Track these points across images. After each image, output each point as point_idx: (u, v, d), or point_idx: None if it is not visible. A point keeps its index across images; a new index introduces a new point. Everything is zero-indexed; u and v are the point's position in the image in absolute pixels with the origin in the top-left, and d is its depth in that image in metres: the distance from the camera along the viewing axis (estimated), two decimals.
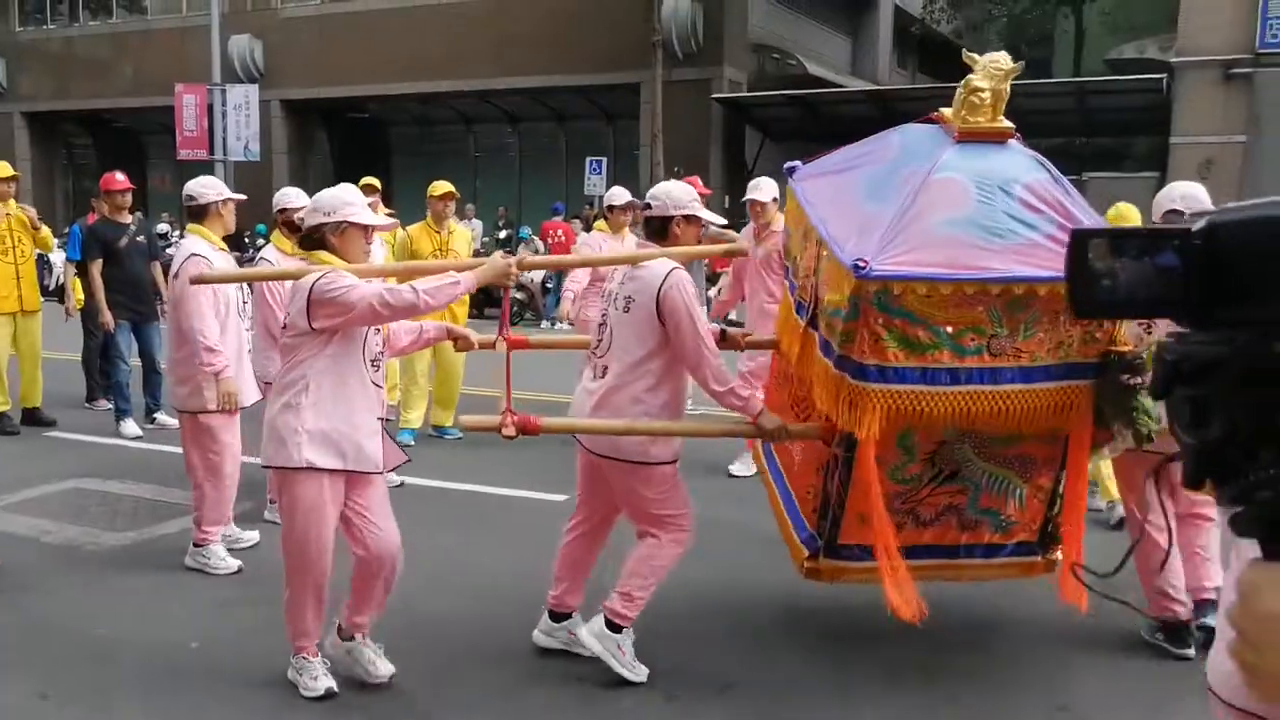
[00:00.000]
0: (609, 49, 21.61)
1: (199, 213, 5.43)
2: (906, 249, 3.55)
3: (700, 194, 8.85)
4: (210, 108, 23.92)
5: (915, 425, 3.74)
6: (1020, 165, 3.83)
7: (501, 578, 5.24)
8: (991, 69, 3.93)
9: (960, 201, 3.68)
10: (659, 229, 4.11)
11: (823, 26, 27.28)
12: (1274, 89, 17.53)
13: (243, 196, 5.60)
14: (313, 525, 3.79)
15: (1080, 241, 1.12)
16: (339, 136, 27.65)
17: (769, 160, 23.04)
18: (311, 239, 3.88)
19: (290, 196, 6.20)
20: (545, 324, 17.03)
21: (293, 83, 25.60)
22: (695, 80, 21.45)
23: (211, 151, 24.02)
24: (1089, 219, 3.78)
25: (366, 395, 3.80)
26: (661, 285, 3.86)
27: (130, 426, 8.40)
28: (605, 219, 8.28)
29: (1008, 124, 3.92)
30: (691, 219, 4.13)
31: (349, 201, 3.88)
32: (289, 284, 5.90)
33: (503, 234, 21.37)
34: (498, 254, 4.05)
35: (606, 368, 4.01)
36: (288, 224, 3.98)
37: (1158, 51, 21.07)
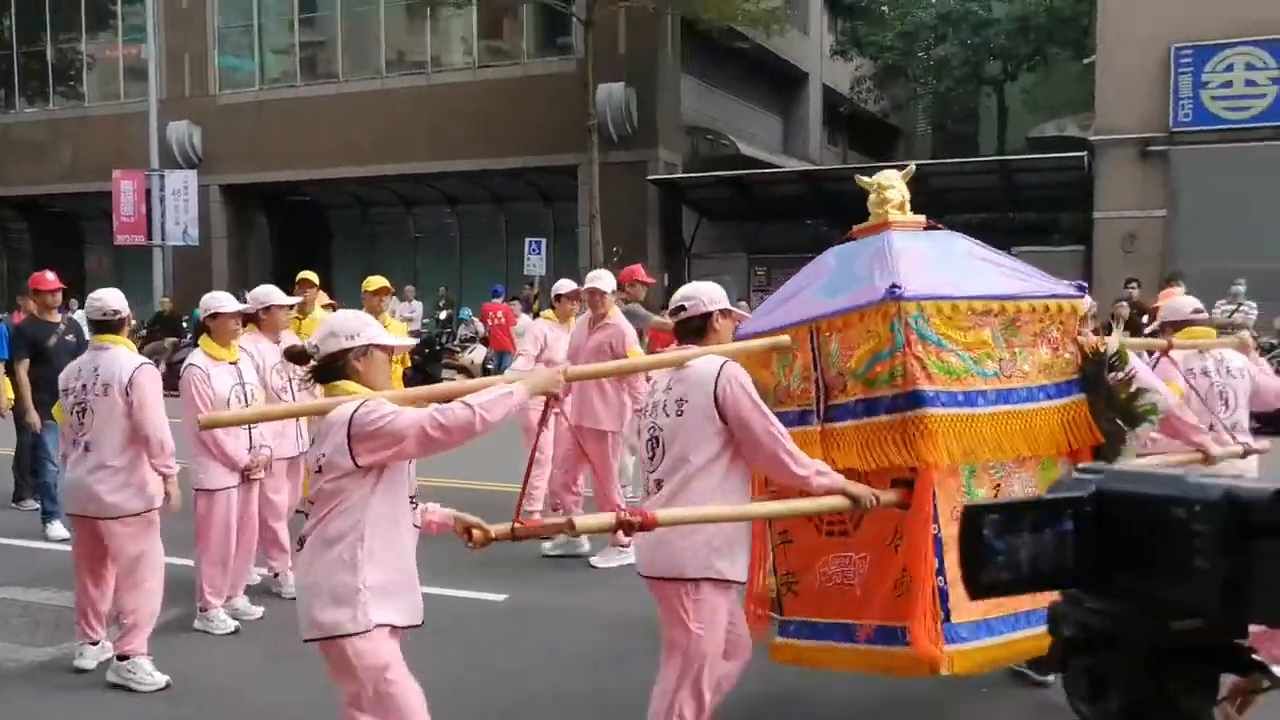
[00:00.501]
0: (544, 133, 21.94)
1: (119, 325, 5.46)
2: (916, 279, 3.89)
3: (644, 283, 9.21)
4: (148, 193, 23.88)
5: (973, 453, 3.83)
6: (952, 237, 4.39)
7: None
8: (890, 177, 4.39)
9: (928, 260, 4.10)
10: (699, 328, 3.91)
11: (754, 107, 27.94)
12: (1188, 166, 18.24)
13: None
14: (406, 689, 3.38)
15: (974, 518, 1.10)
16: (279, 220, 27.63)
17: (705, 239, 23.43)
18: (332, 368, 3.42)
19: (220, 300, 6.22)
20: None
21: (231, 168, 25.61)
22: (631, 162, 21.80)
23: (149, 237, 23.91)
24: (1028, 269, 4.29)
25: (413, 538, 3.42)
26: (717, 380, 3.65)
27: (57, 529, 8.23)
28: (553, 308, 8.35)
29: (920, 217, 4.38)
30: (726, 312, 3.98)
31: (369, 322, 3.53)
32: (220, 389, 5.94)
33: (443, 315, 21.44)
34: (540, 366, 3.89)
35: (660, 481, 3.75)
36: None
37: (1078, 129, 21.85)
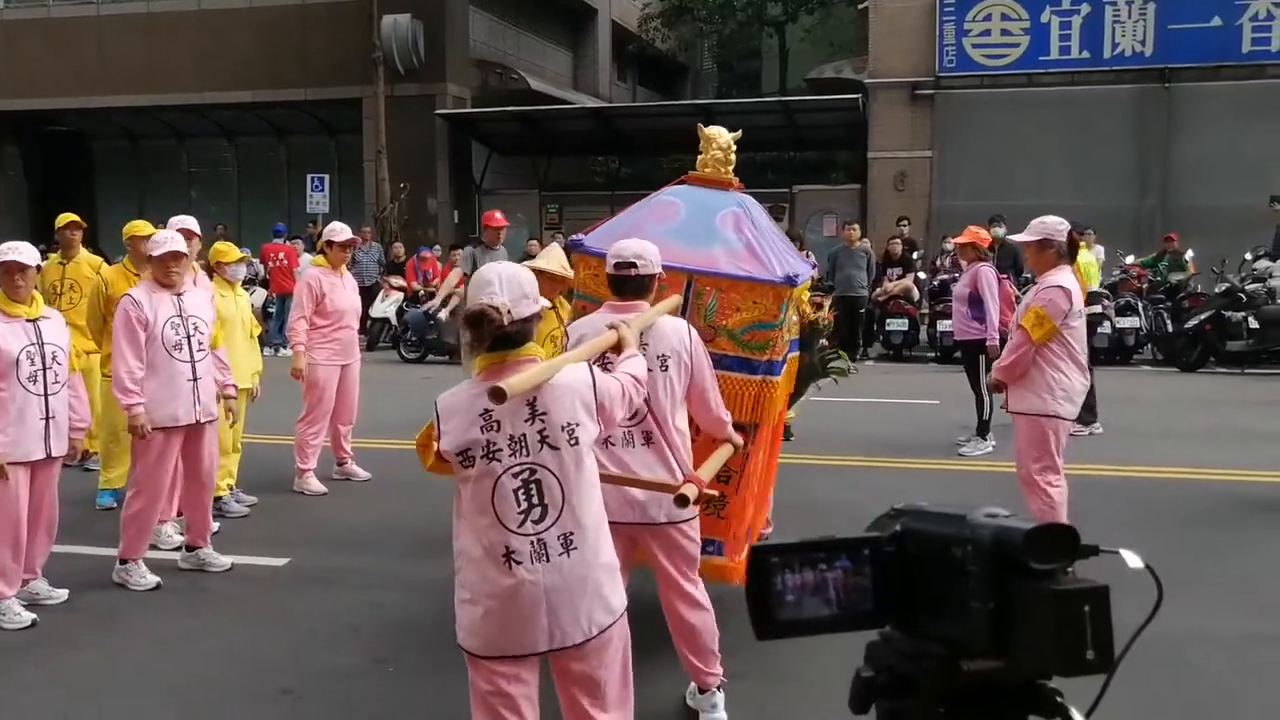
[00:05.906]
0: (327, 64, 21.12)
1: None
2: (796, 264, 4.64)
3: (498, 226, 9.16)
4: None
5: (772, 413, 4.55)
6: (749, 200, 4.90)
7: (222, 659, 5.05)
8: (724, 133, 4.89)
9: (769, 224, 4.93)
10: (647, 286, 3.92)
11: (544, 42, 27.70)
12: (951, 109, 19.38)
13: None
14: None
15: (760, 560, 1.06)
16: (34, 153, 25.55)
17: (497, 174, 23.23)
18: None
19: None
20: (268, 350, 16.42)
21: None
22: (418, 96, 21.29)
23: None
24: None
25: None
26: (691, 338, 3.88)
27: None
28: (324, 254, 8.00)
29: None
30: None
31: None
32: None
33: None
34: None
35: (649, 434, 3.78)
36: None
37: (853, 72, 22.71)
